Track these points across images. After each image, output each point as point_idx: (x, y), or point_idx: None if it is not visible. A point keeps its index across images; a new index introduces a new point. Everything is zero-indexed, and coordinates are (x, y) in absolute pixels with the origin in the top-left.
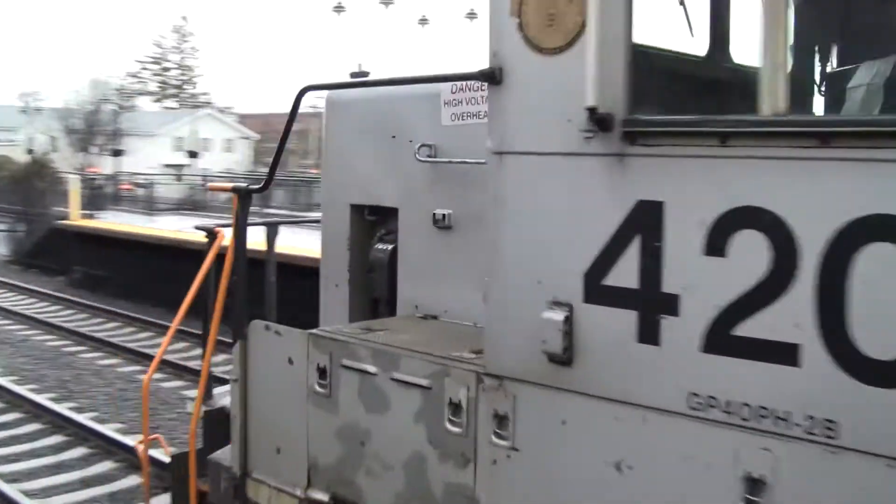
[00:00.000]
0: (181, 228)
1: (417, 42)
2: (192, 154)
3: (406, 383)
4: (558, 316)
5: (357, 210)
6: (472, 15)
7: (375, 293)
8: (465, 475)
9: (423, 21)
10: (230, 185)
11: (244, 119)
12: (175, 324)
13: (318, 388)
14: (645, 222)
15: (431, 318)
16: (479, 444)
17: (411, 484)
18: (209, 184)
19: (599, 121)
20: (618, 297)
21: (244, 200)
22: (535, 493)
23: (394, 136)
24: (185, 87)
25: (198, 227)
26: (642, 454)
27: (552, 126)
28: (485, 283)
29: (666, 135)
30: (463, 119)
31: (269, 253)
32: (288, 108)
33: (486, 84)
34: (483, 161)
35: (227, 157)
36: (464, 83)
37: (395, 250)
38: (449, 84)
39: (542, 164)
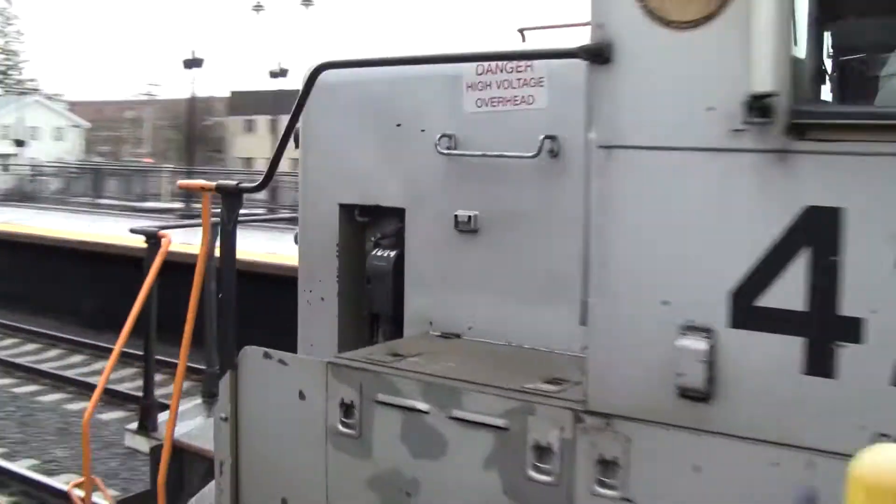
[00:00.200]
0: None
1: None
2: (19, 143)
3: (472, 423)
4: (700, 344)
5: (347, 210)
6: (307, 2)
7: (374, 308)
8: None
9: (258, 7)
10: (206, 182)
11: (75, 107)
12: (118, 347)
13: (341, 428)
14: (817, 233)
15: (453, 337)
16: (577, 495)
17: None
18: (179, 181)
19: (762, 110)
20: (777, 321)
21: (233, 200)
22: None
23: (399, 125)
24: (10, 72)
25: (134, 230)
26: None
27: (686, 116)
28: (582, 304)
29: (849, 128)
30: (491, 105)
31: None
32: (123, 96)
33: (524, 65)
34: (529, 154)
35: (58, 146)
36: (494, 64)
37: (399, 257)
38: (473, 65)
39: (670, 162)
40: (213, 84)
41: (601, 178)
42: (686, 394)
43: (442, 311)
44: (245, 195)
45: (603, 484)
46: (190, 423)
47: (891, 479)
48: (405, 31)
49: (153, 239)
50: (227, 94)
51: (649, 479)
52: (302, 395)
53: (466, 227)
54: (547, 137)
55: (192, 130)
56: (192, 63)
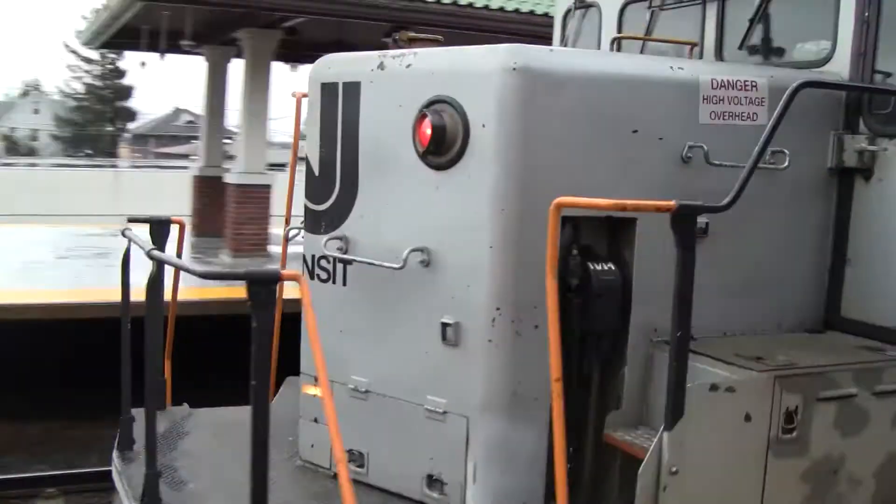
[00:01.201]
0: None
1: None
2: None
3: (887, 392)
4: None
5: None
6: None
7: (589, 325)
8: None
9: None
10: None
11: None
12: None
13: (783, 436)
14: None
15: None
16: None
17: (883, 488)
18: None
19: None
20: None
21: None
22: None
23: (635, 131)
24: None
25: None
26: None
27: None
28: None
29: None
30: (722, 119)
31: None
32: None
33: (750, 84)
34: (782, 166)
35: None
36: (728, 79)
37: (622, 270)
38: (709, 77)
39: None
40: None
41: None
42: None
43: (662, 318)
44: None
45: None
46: None
47: None
48: None
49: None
50: None
51: None
52: (748, 417)
53: (700, 235)
54: (778, 152)
55: None
56: None
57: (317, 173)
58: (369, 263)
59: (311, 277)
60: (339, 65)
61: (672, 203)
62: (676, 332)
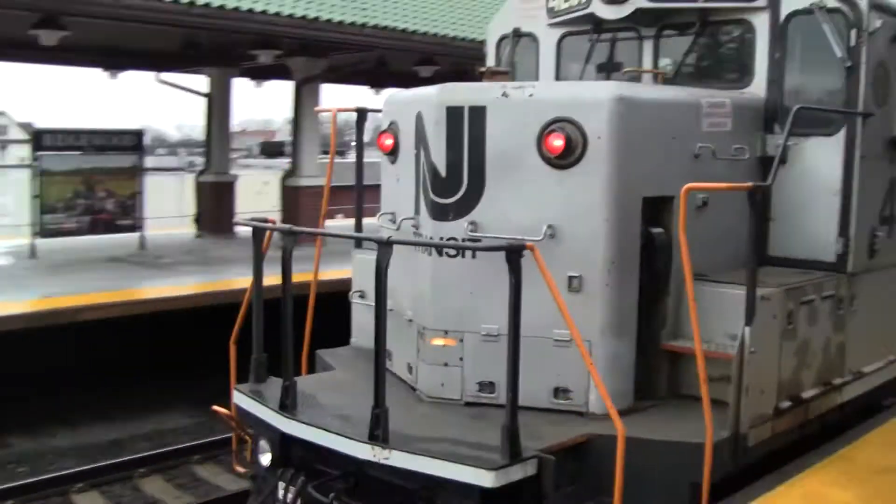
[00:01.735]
0: None
1: None
2: None
3: (828, 296)
4: None
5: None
6: None
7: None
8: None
9: None
10: None
11: None
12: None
13: (787, 327)
14: None
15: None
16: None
17: (826, 359)
18: None
19: None
20: None
21: (759, 194)
22: None
23: (674, 138)
24: None
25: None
26: None
27: None
28: None
29: None
30: (713, 127)
31: None
32: None
33: (722, 102)
34: (742, 157)
35: None
36: (713, 100)
37: (668, 232)
38: (705, 100)
39: None
40: None
41: None
42: None
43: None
44: None
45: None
46: None
47: None
48: None
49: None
50: None
51: None
52: (774, 316)
53: (702, 206)
54: (740, 147)
55: None
56: None
57: (444, 175)
58: (512, 239)
59: (440, 255)
60: (463, 93)
61: (750, 185)
62: (750, 265)
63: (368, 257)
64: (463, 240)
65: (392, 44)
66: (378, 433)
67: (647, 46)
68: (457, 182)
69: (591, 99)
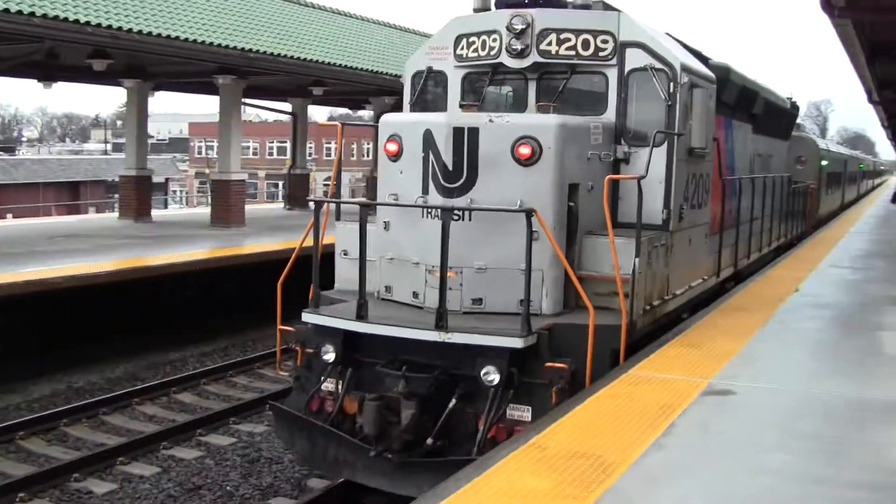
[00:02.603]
0: None
1: None
2: None
3: (661, 245)
4: None
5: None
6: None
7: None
8: None
9: None
10: None
11: None
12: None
13: (648, 261)
14: None
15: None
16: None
17: (661, 283)
18: None
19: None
20: None
21: (640, 181)
22: None
23: (580, 147)
24: None
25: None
26: None
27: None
28: None
29: None
30: (596, 140)
31: None
32: None
33: (600, 125)
34: (613, 157)
35: None
36: (602, 123)
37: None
38: (593, 123)
39: None
40: None
41: None
42: None
43: (588, 223)
44: None
45: None
46: None
47: None
48: None
49: None
50: None
51: None
52: (654, 252)
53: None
54: (608, 154)
55: None
56: None
57: (450, 168)
58: (494, 209)
59: (450, 220)
60: (464, 119)
61: (637, 175)
62: (637, 225)
63: (350, 226)
64: (464, 209)
65: (64, 35)
66: (442, 324)
67: (532, 86)
68: (459, 173)
69: (544, 124)
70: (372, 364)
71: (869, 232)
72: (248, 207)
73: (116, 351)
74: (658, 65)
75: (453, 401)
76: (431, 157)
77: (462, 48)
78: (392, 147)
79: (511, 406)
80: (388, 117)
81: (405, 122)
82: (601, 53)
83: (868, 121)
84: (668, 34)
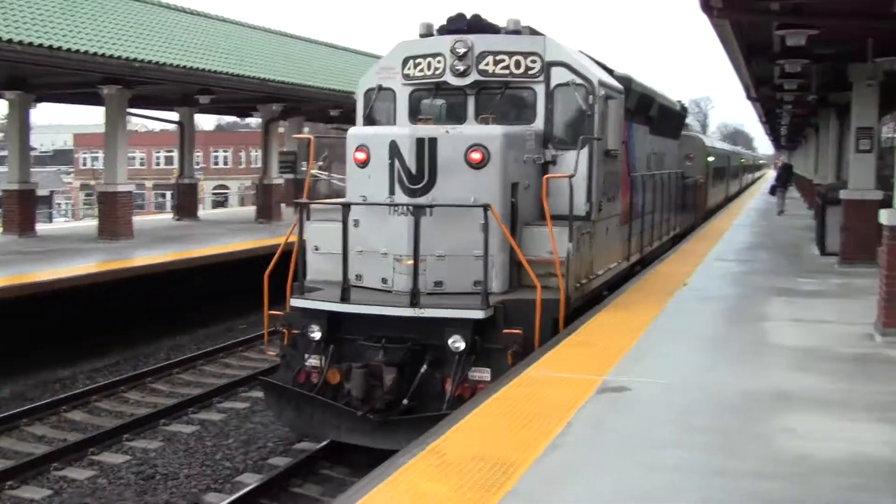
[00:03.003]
0: None
1: None
2: None
3: (587, 233)
4: None
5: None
6: None
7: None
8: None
9: None
10: None
11: None
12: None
13: (578, 245)
14: None
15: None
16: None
17: (586, 266)
18: None
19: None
20: None
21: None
22: None
23: (518, 152)
24: None
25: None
26: None
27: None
28: None
29: None
30: (530, 145)
31: None
32: None
33: (532, 133)
34: (543, 160)
35: None
36: (529, 132)
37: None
38: (527, 131)
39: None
40: None
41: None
42: None
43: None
44: None
45: None
46: None
47: None
48: None
49: None
50: None
51: None
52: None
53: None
54: (539, 156)
55: None
56: None
57: (414, 172)
58: (453, 206)
59: (421, 216)
60: (425, 131)
61: (567, 174)
62: (569, 216)
63: (320, 225)
64: (431, 206)
65: None
66: (416, 301)
67: (471, 100)
68: (421, 177)
69: (491, 134)
70: (352, 340)
71: (751, 224)
72: (136, 219)
73: (2, 371)
74: (579, 80)
75: (424, 367)
76: (397, 163)
77: (409, 68)
78: (360, 156)
79: (473, 369)
80: (355, 130)
81: (373, 135)
82: (531, 72)
83: (746, 116)
84: (581, 52)
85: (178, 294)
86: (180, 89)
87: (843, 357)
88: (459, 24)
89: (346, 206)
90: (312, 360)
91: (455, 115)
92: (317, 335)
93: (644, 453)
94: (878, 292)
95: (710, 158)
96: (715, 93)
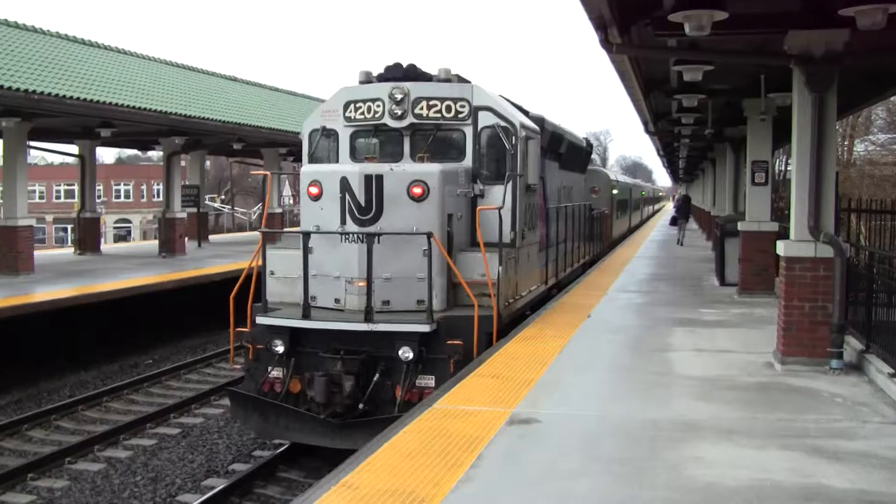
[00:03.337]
0: None
1: None
2: None
3: (511, 258)
4: None
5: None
6: None
7: (452, 248)
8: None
9: None
10: None
11: None
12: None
13: (507, 268)
14: None
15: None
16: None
17: (513, 287)
18: None
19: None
20: None
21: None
22: None
23: (453, 186)
24: None
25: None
26: None
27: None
28: None
29: None
30: (461, 180)
31: None
32: None
33: (463, 170)
34: (473, 194)
35: None
36: (461, 169)
37: (451, 231)
38: (459, 167)
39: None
40: None
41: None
42: None
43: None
44: None
45: None
46: None
47: None
48: None
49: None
50: None
51: None
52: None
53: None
54: (469, 190)
55: None
56: None
57: (363, 204)
58: (401, 234)
59: (363, 242)
60: (372, 168)
61: (497, 206)
62: (499, 243)
63: (279, 252)
64: (377, 235)
65: None
66: (370, 317)
67: (406, 140)
68: (370, 208)
69: (430, 171)
70: (310, 353)
71: (651, 256)
72: (37, 253)
73: None
74: (503, 123)
75: (377, 375)
76: (347, 196)
77: (350, 111)
78: (314, 190)
79: (420, 376)
80: (309, 168)
81: (325, 171)
82: (460, 115)
83: (644, 150)
84: (501, 96)
85: (82, 329)
86: (81, 122)
87: (745, 386)
88: (396, 73)
89: (307, 234)
90: (275, 372)
91: (391, 154)
92: (280, 349)
93: (554, 484)
94: (776, 322)
95: (615, 191)
96: (614, 126)
